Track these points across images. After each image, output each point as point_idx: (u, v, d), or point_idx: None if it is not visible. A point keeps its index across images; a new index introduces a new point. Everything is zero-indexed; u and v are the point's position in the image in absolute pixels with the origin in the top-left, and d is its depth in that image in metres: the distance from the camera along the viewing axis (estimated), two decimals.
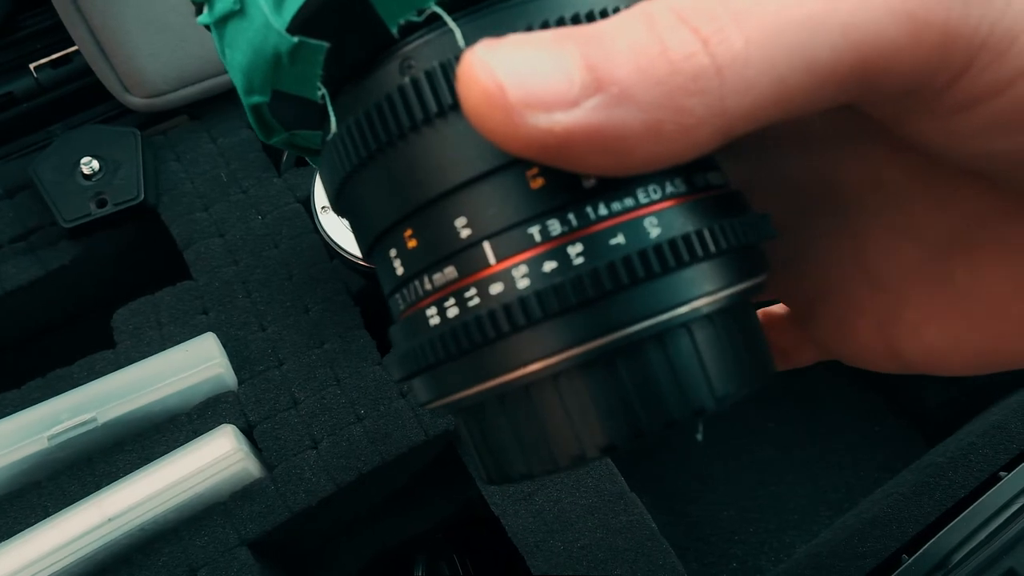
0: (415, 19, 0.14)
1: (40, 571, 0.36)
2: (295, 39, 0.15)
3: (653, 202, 0.14)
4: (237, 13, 0.16)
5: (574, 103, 0.12)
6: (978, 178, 0.15)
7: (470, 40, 0.14)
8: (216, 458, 0.38)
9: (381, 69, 0.15)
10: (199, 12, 0.17)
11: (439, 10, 0.14)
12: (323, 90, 0.16)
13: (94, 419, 0.39)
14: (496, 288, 0.14)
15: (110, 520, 0.37)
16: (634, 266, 0.13)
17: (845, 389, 0.56)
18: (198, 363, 0.41)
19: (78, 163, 0.48)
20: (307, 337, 0.44)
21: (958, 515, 0.36)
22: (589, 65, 0.12)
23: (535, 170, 0.14)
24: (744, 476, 0.53)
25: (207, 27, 0.17)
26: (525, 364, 0.14)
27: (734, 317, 0.15)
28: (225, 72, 0.54)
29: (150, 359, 0.42)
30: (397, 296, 0.16)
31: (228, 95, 0.54)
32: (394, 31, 0.15)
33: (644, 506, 0.40)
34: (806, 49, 0.12)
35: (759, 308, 0.21)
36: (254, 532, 0.38)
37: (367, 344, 0.44)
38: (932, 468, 0.39)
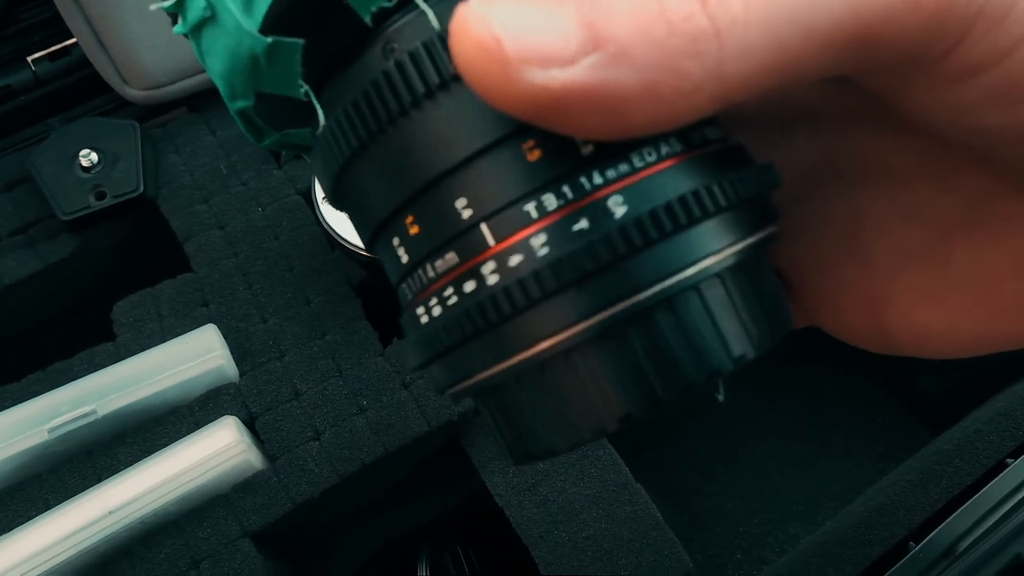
0: (387, 4, 0.14)
1: (41, 564, 0.35)
2: (269, 39, 0.14)
3: (649, 165, 0.14)
4: (210, 20, 0.15)
5: (571, 60, 0.11)
6: (980, 159, 0.15)
7: (445, 19, 0.13)
8: (218, 450, 0.38)
9: (364, 56, 0.15)
10: (174, 22, 0.16)
11: None
12: (305, 87, 0.15)
13: (94, 411, 0.39)
14: (500, 267, 0.13)
15: (111, 513, 0.36)
16: (631, 234, 0.13)
17: (845, 379, 0.56)
18: (199, 355, 0.41)
19: (77, 156, 0.48)
20: (308, 328, 0.44)
21: (965, 502, 0.36)
22: (586, 22, 0.11)
23: (531, 142, 0.13)
24: (746, 468, 0.53)
25: (185, 36, 0.16)
26: (536, 342, 0.14)
27: (746, 273, 0.15)
28: None
29: (150, 351, 0.41)
30: (404, 285, 0.16)
31: None
32: (367, 20, 0.14)
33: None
34: (805, 14, 0.11)
35: None
36: (257, 524, 0.38)
37: (369, 335, 0.44)
38: (938, 456, 0.38)
